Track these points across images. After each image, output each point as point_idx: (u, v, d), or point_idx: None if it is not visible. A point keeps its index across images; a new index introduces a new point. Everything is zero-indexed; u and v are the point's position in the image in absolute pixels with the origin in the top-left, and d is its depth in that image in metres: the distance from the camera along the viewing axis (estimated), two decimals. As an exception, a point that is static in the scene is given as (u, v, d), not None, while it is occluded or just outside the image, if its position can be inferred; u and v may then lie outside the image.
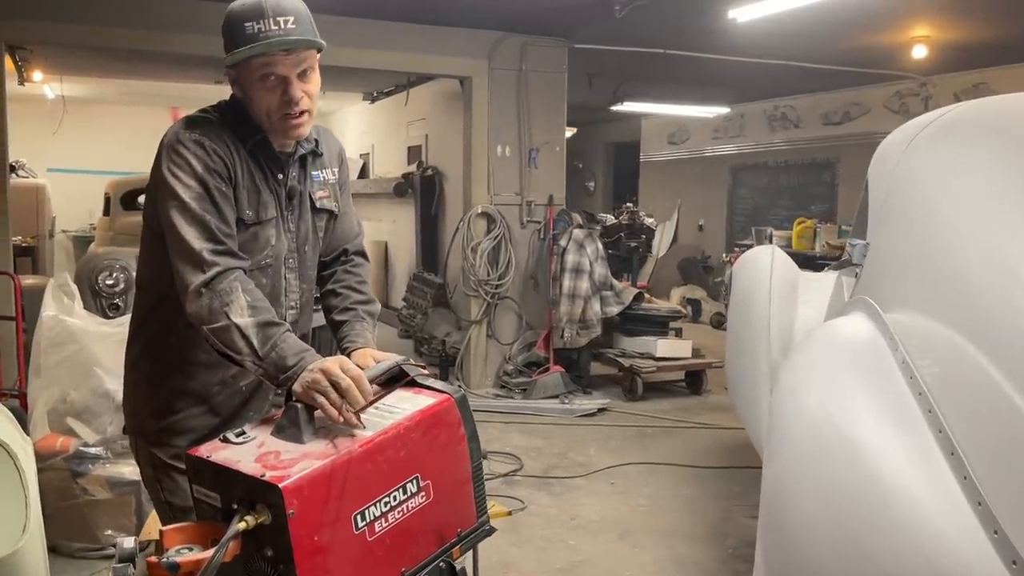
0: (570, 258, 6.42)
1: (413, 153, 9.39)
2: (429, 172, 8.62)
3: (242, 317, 1.63)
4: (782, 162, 10.10)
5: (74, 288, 3.76)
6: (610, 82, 8.67)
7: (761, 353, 3.42)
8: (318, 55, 1.80)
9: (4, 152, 5.30)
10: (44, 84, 9.41)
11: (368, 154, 11.00)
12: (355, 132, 11.73)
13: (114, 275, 6.23)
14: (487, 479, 4.42)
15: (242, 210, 1.77)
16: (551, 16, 6.14)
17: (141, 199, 7.64)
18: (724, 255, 10.31)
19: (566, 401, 6.13)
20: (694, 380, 6.70)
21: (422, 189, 8.66)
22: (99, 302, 6.22)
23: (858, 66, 7.67)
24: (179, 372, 1.87)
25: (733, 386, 4.07)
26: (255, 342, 1.62)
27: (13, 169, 9.78)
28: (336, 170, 2.03)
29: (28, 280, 7.18)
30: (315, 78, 1.81)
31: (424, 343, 7.90)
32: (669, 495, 4.41)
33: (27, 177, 9.87)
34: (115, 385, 3.48)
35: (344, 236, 2.10)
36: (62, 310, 3.64)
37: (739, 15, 5.42)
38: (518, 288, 6.86)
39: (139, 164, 10.83)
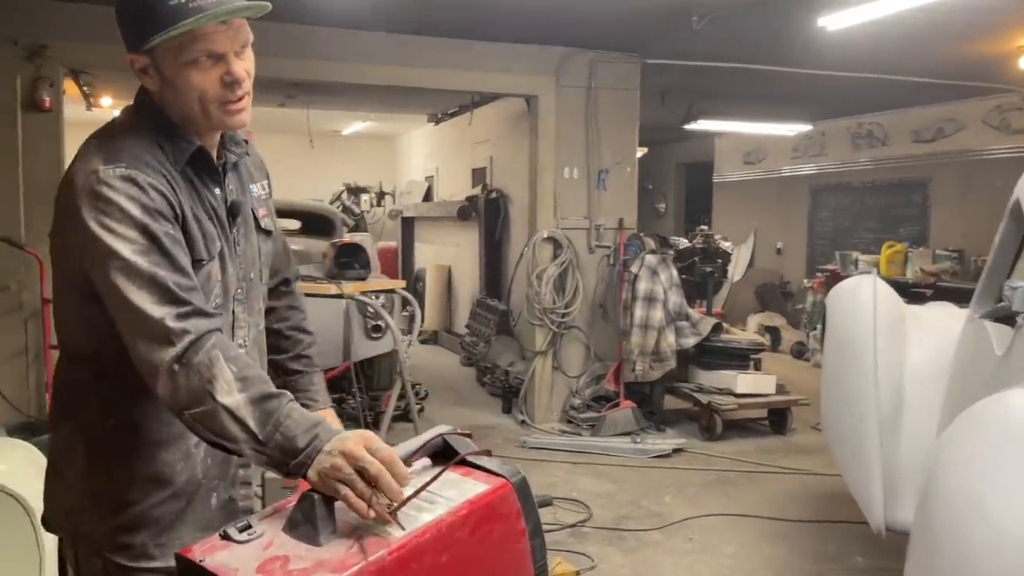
0: (642, 286, 6.02)
1: (477, 175, 9.14)
2: (493, 195, 8.35)
3: (230, 395, 1.29)
4: (867, 182, 9.49)
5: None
6: (684, 99, 8.26)
7: (868, 403, 2.98)
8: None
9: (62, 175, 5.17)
10: (114, 109, 9.49)
11: (432, 177, 10.82)
12: (420, 155, 11.57)
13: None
14: (552, 529, 4.10)
15: (197, 251, 1.43)
16: (623, 30, 5.80)
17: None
18: (805, 280, 9.74)
19: (638, 440, 5.71)
20: (778, 418, 6.20)
21: (486, 212, 8.39)
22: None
23: (954, 78, 7.10)
24: (131, 455, 1.48)
25: (831, 433, 3.63)
26: (251, 424, 1.29)
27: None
28: (266, 183, 1.71)
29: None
30: (251, 55, 1.47)
31: (487, 372, 7.58)
32: (755, 554, 3.95)
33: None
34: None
35: (280, 260, 1.79)
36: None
37: (829, 23, 4.98)
38: (586, 317, 6.49)
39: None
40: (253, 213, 1.61)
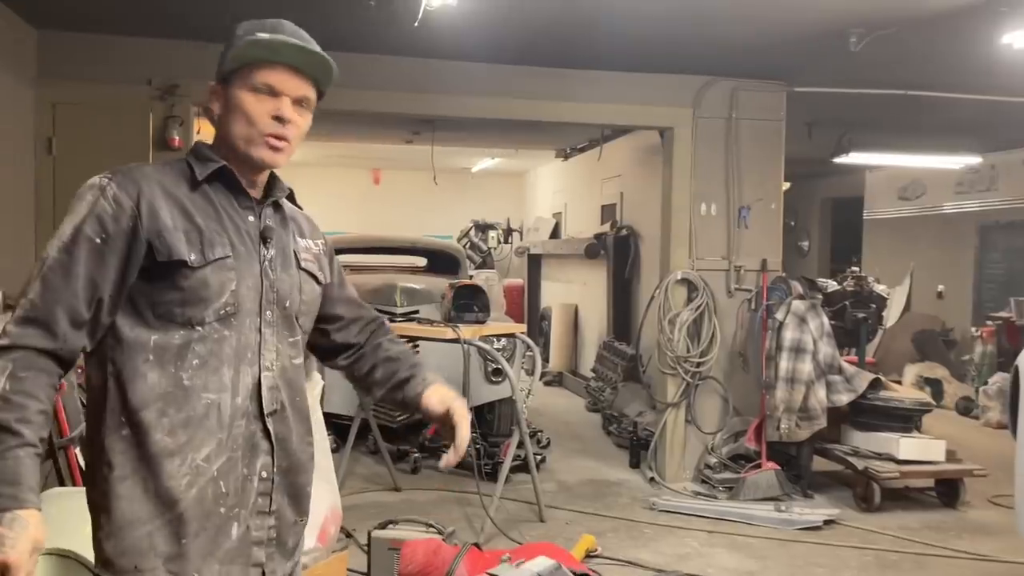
0: (789, 335, 5.44)
1: (607, 212, 8.77)
2: (624, 232, 7.96)
3: None
4: (1047, 220, 8.47)
5: (320, 382, 3.38)
6: (833, 130, 7.61)
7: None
8: (316, 100, 1.62)
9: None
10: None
11: (560, 213, 10.53)
12: (548, 191, 11.34)
13: (292, 341, 6.01)
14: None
15: (178, 252, 1.49)
16: (768, 55, 5.32)
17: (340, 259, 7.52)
18: (973, 329, 8.76)
19: (783, 508, 5.09)
20: (948, 490, 5.42)
21: (615, 250, 8.00)
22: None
23: None
24: (139, 469, 1.48)
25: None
26: None
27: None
28: (320, 243, 1.78)
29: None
30: (308, 118, 1.61)
31: (613, 421, 7.13)
32: (932, 663, 3.32)
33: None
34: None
35: (350, 309, 1.84)
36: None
37: (1016, 40, 4.34)
38: (724, 367, 5.94)
39: (342, 224, 11.11)
40: (295, 254, 1.66)
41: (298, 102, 1.56)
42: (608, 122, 6.60)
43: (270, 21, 1.55)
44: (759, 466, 5.49)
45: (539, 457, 6.07)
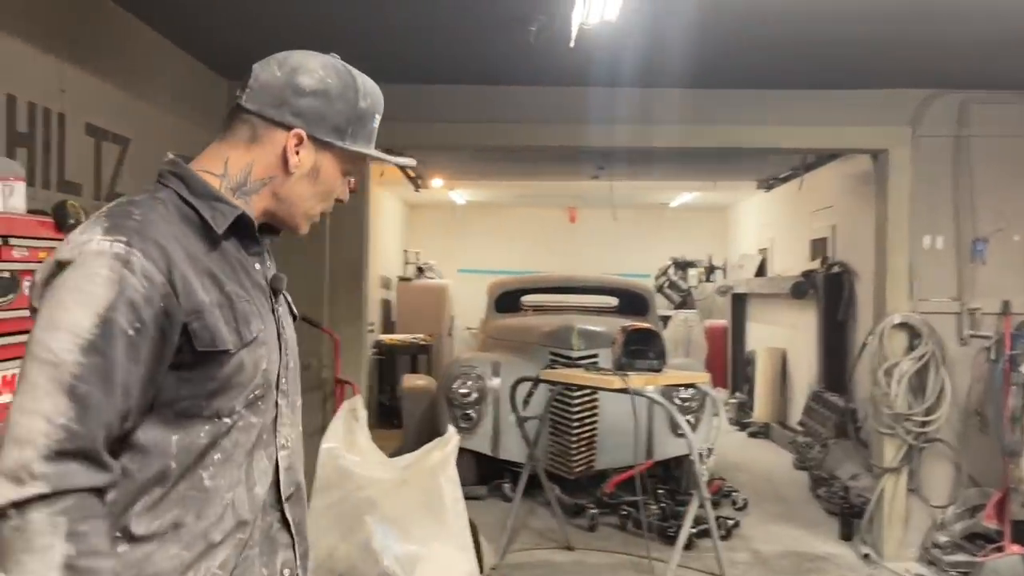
0: (1039, 392, 4.48)
1: (817, 247, 7.95)
2: (836, 269, 7.13)
3: None
4: None
5: (362, 413, 3.22)
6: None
7: None
8: None
9: (364, 257, 5.20)
10: (448, 190, 9.92)
11: (767, 249, 9.75)
12: (752, 225, 10.59)
13: (467, 383, 5.86)
14: None
15: (222, 338, 1.21)
16: (1010, 61, 4.47)
17: (524, 299, 7.21)
18: None
19: (1034, 606, 4.14)
20: None
21: (826, 290, 7.18)
22: (452, 412, 5.87)
23: None
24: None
25: None
26: None
27: (421, 271, 10.46)
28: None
29: (418, 381, 7.25)
30: None
31: (822, 483, 6.30)
32: None
33: (432, 278, 10.43)
34: (386, 541, 2.80)
35: None
36: (346, 440, 3.09)
37: None
38: (955, 428, 5.03)
39: (540, 264, 11.02)
40: (286, 298, 1.45)
41: None
42: (812, 146, 5.94)
43: (376, 95, 1.37)
44: (1001, 549, 4.53)
45: (732, 522, 5.45)
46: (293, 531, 1.34)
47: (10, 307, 2.09)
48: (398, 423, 7.34)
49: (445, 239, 11.88)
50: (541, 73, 4.85)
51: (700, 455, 4.07)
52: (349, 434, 3.12)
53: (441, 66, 4.80)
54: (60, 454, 1.06)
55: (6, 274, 2.08)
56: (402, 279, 10.29)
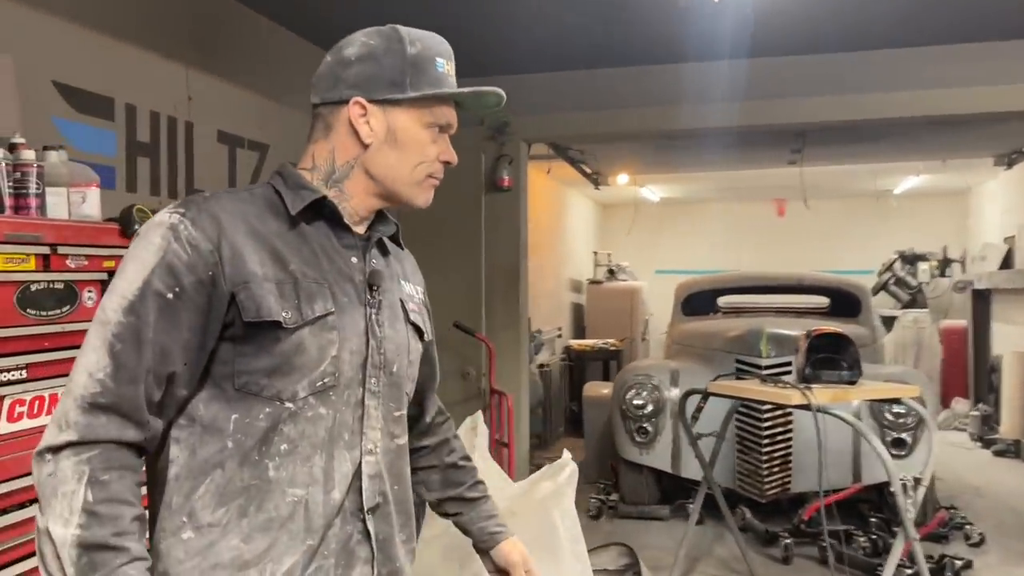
0: None
1: (1079, 232, 6.62)
2: (1101, 258, 5.87)
3: (64, 526, 1.08)
4: None
5: (483, 429, 2.89)
6: None
7: None
8: None
9: (522, 260, 4.90)
10: (638, 187, 9.44)
11: (1013, 238, 8.35)
12: (995, 211, 9.14)
13: (642, 394, 5.37)
14: None
15: (269, 310, 1.18)
16: None
17: (721, 300, 6.63)
18: None
19: None
20: None
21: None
22: (626, 425, 5.42)
23: None
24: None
25: None
26: (69, 570, 1.07)
27: (612, 273, 10.05)
28: (421, 289, 1.49)
29: (602, 390, 6.87)
30: None
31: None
32: None
33: (625, 280, 9.98)
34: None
35: (434, 385, 1.62)
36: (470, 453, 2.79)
37: None
38: None
39: (742, 262, 10.24)
40: (402, 304, 1.38)
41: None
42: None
43: (435, 38, 1.34)
44: None
45: (961, 562, 4.55)
46: (375, 546, 1.27)
47: (67, 319, 1.98)
48: (586, 433, 6.99)
49: (641, 239, 11.37)
50: (711, 46, 4.31)
51: (905, 485, 3.35)
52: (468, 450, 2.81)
53: (603, 49, 4.40)
54: (93, 406, 1.11)
55: (59, 285, 1.96)
56: (592, 282, 9.93)
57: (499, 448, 4.53)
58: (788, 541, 4.87)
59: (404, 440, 1.36)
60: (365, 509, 1.25)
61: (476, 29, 4.02)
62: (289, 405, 1.19)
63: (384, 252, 1.38)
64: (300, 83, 4.04)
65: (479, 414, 2.92)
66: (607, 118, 4.74)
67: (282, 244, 1.23)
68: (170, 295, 1.14)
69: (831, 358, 3.71)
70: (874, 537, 4.76)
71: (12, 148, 2.14)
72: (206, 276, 1.16)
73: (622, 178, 8.19)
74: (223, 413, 1.18)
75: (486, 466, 2.79)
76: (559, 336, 8.99)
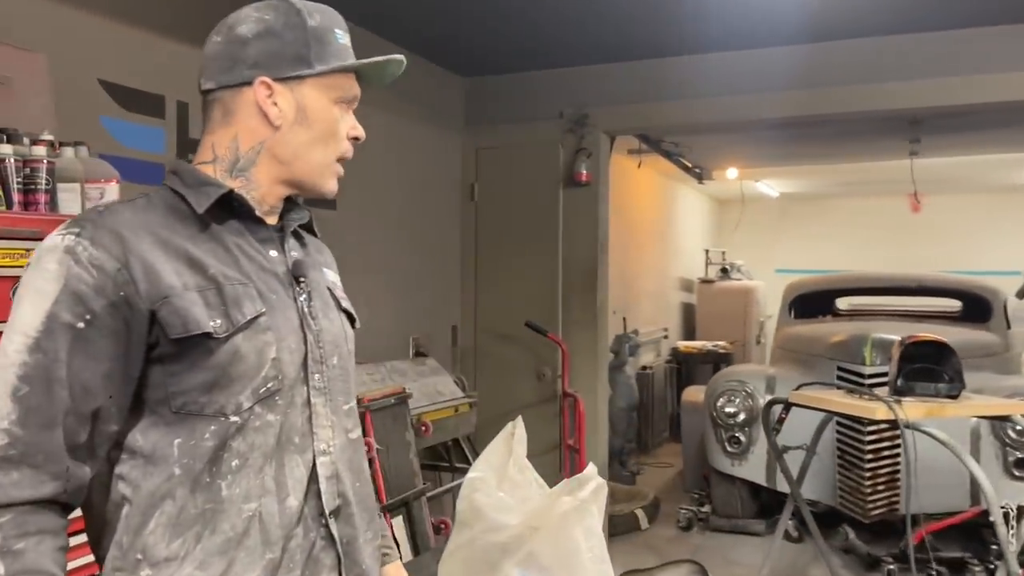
0: None
1: None
2: None
3: None
4: None
5: (522, 435, 2.74)
6: None
7: None
8: None
9: (600, 255, 4.70)
10: (754, 181, 8.98)
11: None
12: None
13: (735, 401, 5.06)
14: None
15: (197, 321, 1.09)
16: None
17: (840, 303, 6.16)
18: None
19: None
20: None
21: None
22: (718, 433, 5.12)
23: None
24: None
25: None
26: None
27: (725, 272, 9.61)
28: (336, 273, 1.39)
29: (701, 395, 6.54)
30: None
31: None
32: None
33: (739, 280, 9.53)
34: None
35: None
36: (499, 469, 2.64)
37: None
38: None
39: (872, 262, 9.56)
40: (331, 292, 1.31)
41: None
42: None
43: (328, 10, 1.24)
44: None
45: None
46: (340, 551, 1.19)
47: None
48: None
49: (759, 236, 10.83)
50: (801, 28, 3.97)
51: (1007, 513, 2.95)
52: (504, 462, 2.67)
53: (688, 35, 4.14)
54: (2, 460, 1.00)
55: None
56: (703, 281, 9.53)
57: (571, 454, 4.35)
58: (892, 567, 4.45)
59: (358, 433, 1.28)
60: (326, 513, 1.18)
61: (550, 18, 3.87)
62: (235, 419, 1.10)
63: (301, 242, 1.31)
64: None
65: (519, 419, 2.77)
66: (694, 107, 4.45)
67: (195, 249, 1.13)
68: (81, 324, 1.04)
69: (930, 368, 3.32)
70: (992, 567, 4.28)
71: (42, 145, 2.19)
72: (117, 297, 1.06)
73: (731, 172, 7.79)
74: (164, 440, 1.09)
75: (521, 476, 2.64)
76: (665, 337, 8.67)
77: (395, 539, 3.05)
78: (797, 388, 3.58)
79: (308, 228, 1.33)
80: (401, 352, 4.20)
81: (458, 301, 4.85)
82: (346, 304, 1.33)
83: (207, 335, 1.08)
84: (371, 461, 3.04)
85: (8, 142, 2.03)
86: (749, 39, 4.14)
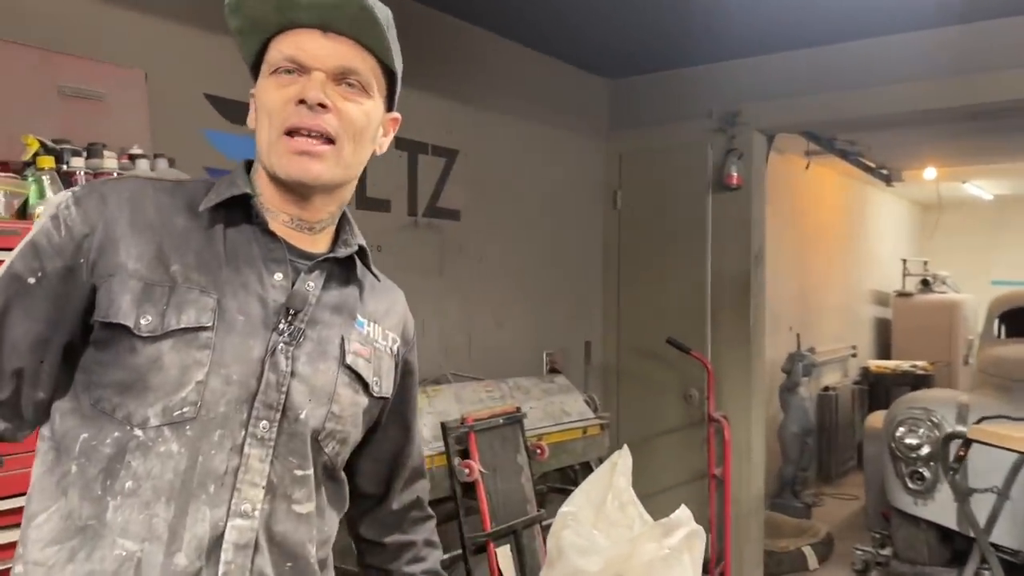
0: None
1: None
2: None
3: None
4: None
5: (626, 465, 2.46)
6: None
7: None
8: (381, 73, 1.11)
9: (755, 268, 4.28)
10: (963, 182, 8.00)
11: None
12: None
13: (917, 432, 4.41)
14: None
15: (120, 310, 0.98)
16: None
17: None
18: None
19: None
20: None
21: None
22: (897, 467, 4.50)
23: None
24: None
25: None
26: None
27: (927, 284, 8.61)
28: (395, 337, 1.21)
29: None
30: (365, 103, 1.08)
31: None
32: None
33: (944, 292, 8.51)
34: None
35: (407, 462, 1.29)
36: (596, 504, 2.38)
37: None
38: None
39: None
40: (342, 343, 1.11)
41: (341, 78, 1.05)
42: None
43: None
44: None
45: None
46: None
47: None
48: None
49: (970, 244, 9.65)
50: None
51: None
52: (603, 496, 2.39)
53: (850, 20, 3.67)
54: None
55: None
56: (900, 294, 8.59)
57: (718, 485, 3.96)
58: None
59: (309, 508, 1.07)
60: None
61: (696, 11, 3.56)
62: (138, 432, 0.98)
63: (346, 281, 1.15)
64: (497, 82, 3.90)
65: (625, 449, 2.49)
66: (866, 98, 3.93)
67: (176, 242, 1.04)
68: (31, 280, 1.00)
69: None
70: None
71: (132, 158, 2.22)
72: (75, 263, 1.00)
73: (928, 172, 6.95)
74: (75, 431, 1.01)
75: (621, 513, 2.37)
76: (853, 355, 7.88)
77: (500, 570, 2.88)
78: (979, 421, 3.02)
79: (362, 257, 1.18)
80: (534, 369, 4.02)
81: (593, 316, 4.58)
82: (353, 361, 1.12)
83: (128, 330, 0.98)
84: (473, 485, 2.88)
85: (88, 156, 2.07)
86: (921, 18, 3.60)
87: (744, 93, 4.17)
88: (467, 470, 2.83)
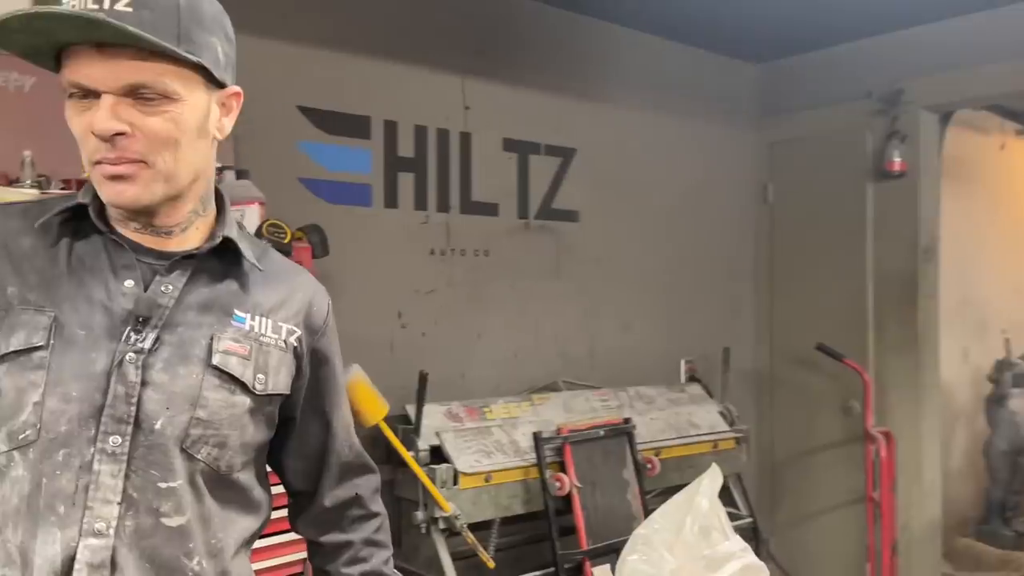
0: None
1: None
2: None
3: None
4: None
5: (711, 488, 2.20)
6: None
7: None
8: (188, 71, 0.99)
9: (925, 265, 3.76)
10: None
11: None
12: None
13: None
14: None
15: None
16: None
17: None
18: None
19: None
20: None
21: None
22: None
23: None
24: None
25: None
26: None
27: None
28: (292, 328, 1.14)
29: None
30: (172, 109, 0.98)
31: None
32: None
33: None
34: None
35: (329, 458, 1.23)
36: (673, 531, 2.16)
37: None
38: None
39: None
40: (211, 343, 1.05)
41: (134, 93, 0.96)
42: None
43: None
44: None
45: None
46: None
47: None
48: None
49: None
50: None
51: None
52: (683, 518, 2.15)
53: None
54: None
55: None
56: None
57: (876, 509, 3.51)
58: None
59: (179, 522, 1.02)
60: None
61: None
62: None
63: (221, 276, 1.10)
64: (621, 76, 3.70)
65: (714, 467, 2.24)
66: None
67: (18, 265, 1.03)
68: None
69: None
70: None
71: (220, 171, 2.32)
72: None
73: None
74: None
75: (701, 538, 2.13)
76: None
77: (596, 591, 2.70)
78: None
79: (227, 244, 1.10)
80: (668, 377, 3.78)
81: (737, 320, 4.21)
82: (222, 360, 1.05)
83: None
84: (568, 500, 2.73)
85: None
86: None
87: (909, 68, 3.67)
88: (559, 483, 2.69)
